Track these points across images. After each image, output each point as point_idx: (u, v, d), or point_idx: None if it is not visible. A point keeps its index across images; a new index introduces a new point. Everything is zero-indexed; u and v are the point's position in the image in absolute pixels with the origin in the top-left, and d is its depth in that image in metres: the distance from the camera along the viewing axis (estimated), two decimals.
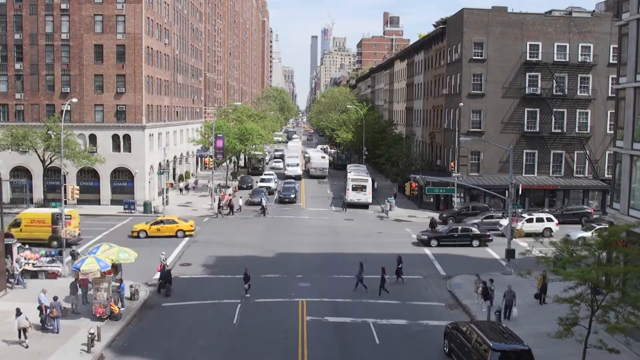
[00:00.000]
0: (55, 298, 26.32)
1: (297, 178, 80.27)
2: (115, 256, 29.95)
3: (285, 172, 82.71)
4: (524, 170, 58.24)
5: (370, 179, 63.87)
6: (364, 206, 61.78)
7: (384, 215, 57.69)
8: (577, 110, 58.55)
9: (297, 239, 46.89)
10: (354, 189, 61.92)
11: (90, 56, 57.95)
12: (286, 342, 26.04)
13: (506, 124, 57.85)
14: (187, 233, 46.76)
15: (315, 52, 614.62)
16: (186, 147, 78.96)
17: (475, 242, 45.07)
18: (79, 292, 29.36)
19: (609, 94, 55.81)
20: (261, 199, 58.15)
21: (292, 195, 64.52)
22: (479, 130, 57.40)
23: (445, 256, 41.95)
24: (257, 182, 73.32)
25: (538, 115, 58.25)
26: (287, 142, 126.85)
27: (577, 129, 58.51)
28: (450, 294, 33.45)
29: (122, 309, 28.50)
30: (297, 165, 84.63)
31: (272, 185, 70.98)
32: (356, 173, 65.49)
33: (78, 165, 55.50)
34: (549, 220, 49.07)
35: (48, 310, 25.99)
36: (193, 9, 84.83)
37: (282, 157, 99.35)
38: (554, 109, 58.17)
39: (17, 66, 58.12)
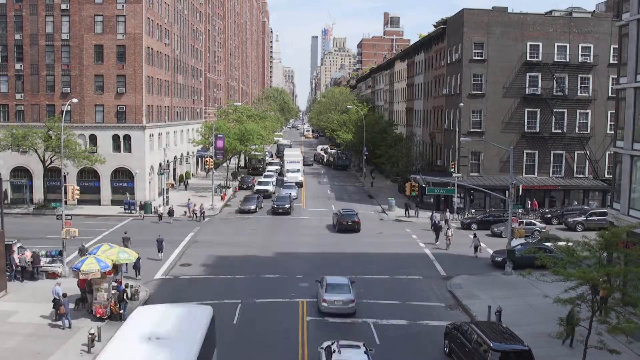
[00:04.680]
0: (64, 295, 26.36)
1: (299, 185, 73.89)
2: (115, 256, 29.93)
3: (285, 178, 76.34)
4: (524, 171, 58.22)
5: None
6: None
7: (385, 216, 57.77)
8: (578, 111, 58.54)
9: (297, 239, 46.82)
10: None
11: (90, 56, 57.96)
12: (286, 342, 26.03)
13: (506, 124, 57.83)
14: None
15: (315, 52, 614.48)
16: (186, 148, 78.95)
17: None
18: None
19: (609, 94, 55.80)
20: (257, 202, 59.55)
21: (287, 205, 57.13)
22: (479, 130, 57.39)
23: (445, 256, 41.95)
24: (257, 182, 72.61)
25: (538, 116, 58.24)
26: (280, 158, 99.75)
27: (577, 129, 58.50)
28: (450, 294, 33.41)
29: (121, 311, 28.45)
30: (298, 170, 78.25)
31: (269, 188, 68.08)
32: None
33: (78, 166, 55.50)
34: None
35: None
36: (193, 9, 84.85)
37: (266, 183, 70.73)
38: (555, 109, 58.16)
39: (18, 66, 58.14)
